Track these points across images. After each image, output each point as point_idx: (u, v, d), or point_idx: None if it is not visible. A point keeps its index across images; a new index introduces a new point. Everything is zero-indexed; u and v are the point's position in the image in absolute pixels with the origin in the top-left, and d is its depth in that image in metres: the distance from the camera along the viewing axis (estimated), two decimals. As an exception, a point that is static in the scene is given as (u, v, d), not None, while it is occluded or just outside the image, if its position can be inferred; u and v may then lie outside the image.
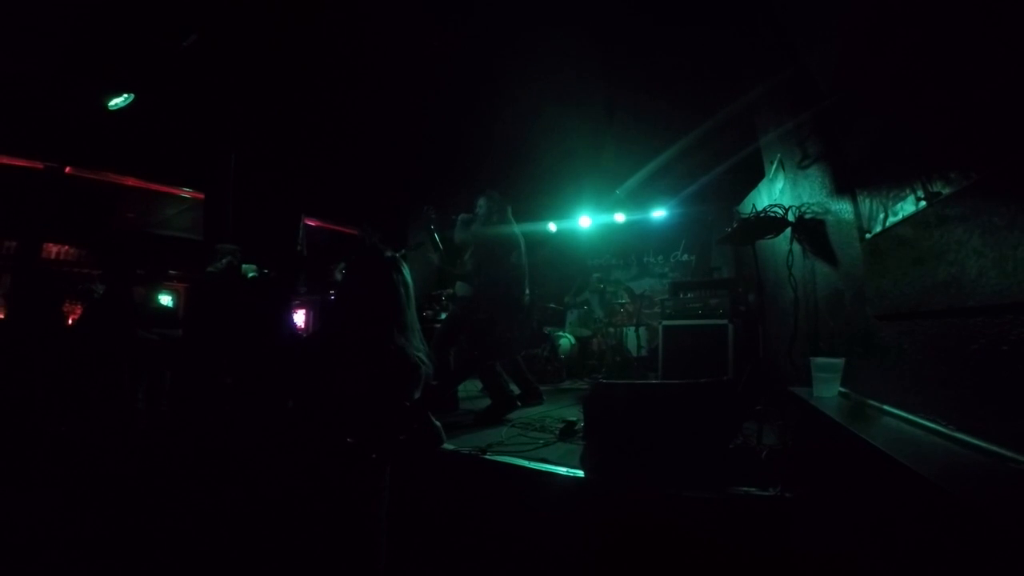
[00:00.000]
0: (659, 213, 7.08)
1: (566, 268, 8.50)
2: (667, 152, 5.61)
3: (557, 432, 3.22)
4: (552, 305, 7.09)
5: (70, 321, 5.37)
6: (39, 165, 5.52)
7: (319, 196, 7.31)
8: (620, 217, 7.37)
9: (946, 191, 1.53)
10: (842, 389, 2.32)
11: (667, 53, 4.56)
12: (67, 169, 5.74)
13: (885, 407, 1.94)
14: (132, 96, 4.95)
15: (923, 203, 1.67)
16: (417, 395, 1.54)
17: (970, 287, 1.42)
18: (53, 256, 6.87)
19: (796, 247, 3.08)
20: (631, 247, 8.12)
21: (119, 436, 4.57)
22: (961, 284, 1.46)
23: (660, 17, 4.22)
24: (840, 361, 2.29)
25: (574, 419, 3.30)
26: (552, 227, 7.79)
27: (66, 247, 7.08)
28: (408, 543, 1.82)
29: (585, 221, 7.35)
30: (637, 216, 7.31)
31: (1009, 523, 0.92)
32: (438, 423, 1.56)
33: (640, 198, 7.01)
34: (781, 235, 3.15)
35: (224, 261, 3.87)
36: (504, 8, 4.18)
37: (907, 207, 1.79)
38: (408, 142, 6.33)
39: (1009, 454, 1.22)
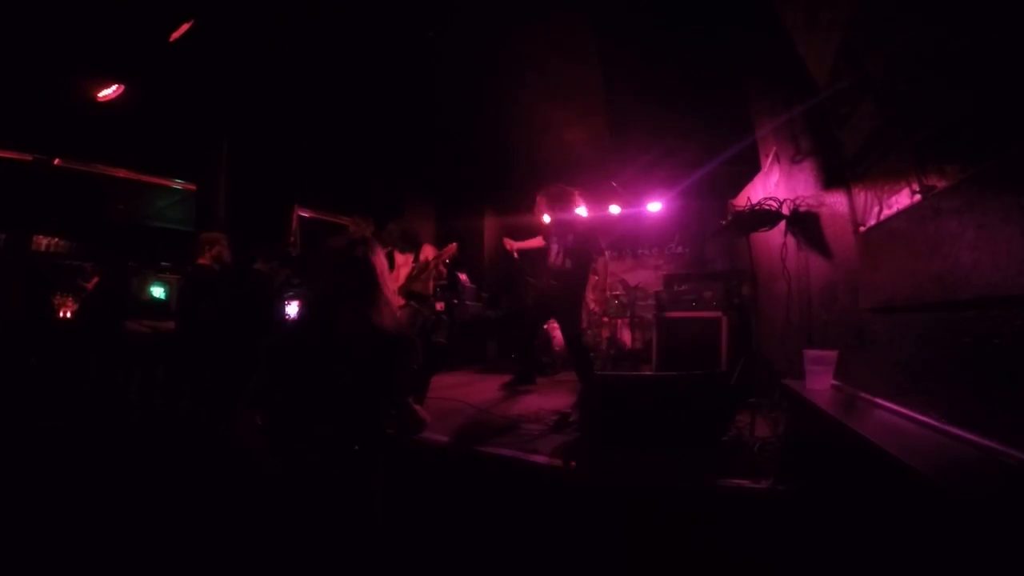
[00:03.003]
0: (654, 205, 7.06)
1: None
2: (663, 144, 5.60)
3: (551, 424, 3.22)
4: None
5: (61, 314, 5.33)
6: (27, 157, 5.45)
7: (314, 187, 7.26)
8: (615, 209, 7.35)
9: (941, 184, 1.53)
10: (835, 382, 2.33)
11: (663, 45, 4.53)
12: (56, 161, 5.67)
13: (877, 400, 1.95)
14: (122, 87, 4.88)
15: (918, 196, 1.67)
16: (413, 371, 1.54)
17: (963, 280, 1.42)
18: (43, 248, 6.80)
19: (790, 240, 3.08)
20: (625, 239, 8.10)
21: (112, 430, 4.55)
22: (955, 277, 1.47)
23: (657, 8, 4.20)
24: (833, 353, 2.29)
25: (568, 411, 3.31)
26: (547, 219, 7.76)
27: (56, 239, 7.00)
28: (399, 536, 1.82)
29: (580, 213, 7.32)
30: (632, 208, 7.29)
31: (1000, 517, 0.92)
32: (419, 411, 1.55)
33: (635, 190, 7.00)
34: (775, 228, 3.15)
35: (213, 251, 3.83)
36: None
37: (901, 200, 1.79)
38: (402, 134, 6.28)
39: (1001, 448, 1.22)
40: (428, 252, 4.50)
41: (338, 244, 1.60)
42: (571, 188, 4.52)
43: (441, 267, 4.33)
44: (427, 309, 4.65)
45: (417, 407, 1.56)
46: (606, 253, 4.58)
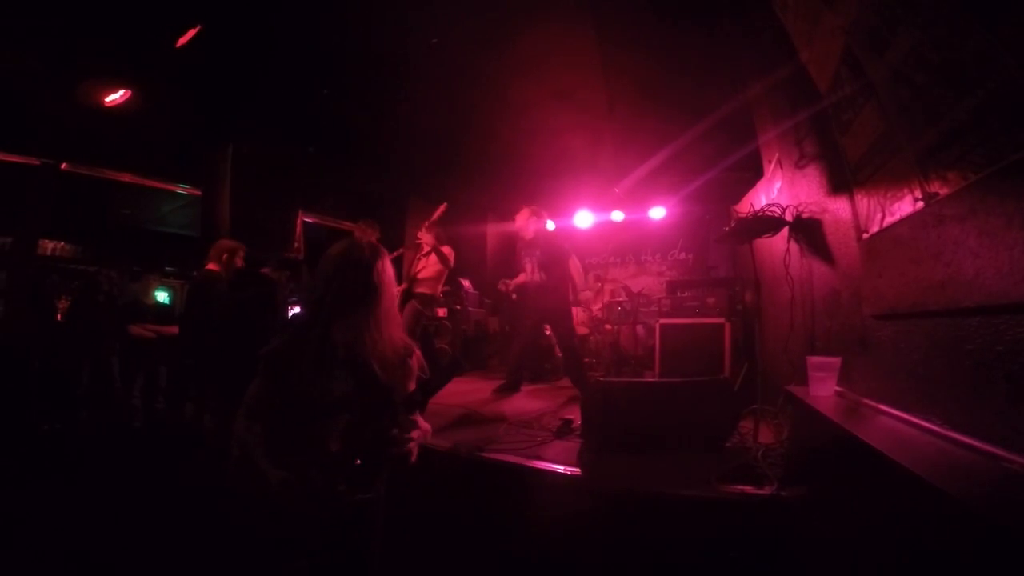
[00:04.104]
0: (657, 211, 7.07)
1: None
2: (666, 150, 5.62)
3: (554, 430, 3.22)
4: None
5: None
6: (35, 161, 5.48)
7: (318, 192, 7.30)
8: (618, 215, 7.37)
9: (944, 191, 1.53)
10: (838, 388, 2.32)
11: (666, 52, 4.56)
12: (63, 165, 5.70)
13: (881, 406, 1.95)
14: (129, 92, 4.92)
15: (920, 203, 1.68)
16: (411, 387, 1.50)
17: (966, 287, 1.43)
18: (49, 252, 6.85)
19: (793, 246, 3.08)
20: (628, 245, 8.12)
21: (114, 433, 4.57)
22: (957, 284, 1.47)
23: (660, 13, 4.22)
24: (836, 360, 2.29)
25: (571, 417, 3.31)
26: (551, 225, 7.78)
27: (62, 243, 7.05)
28: (403, 541, 1.82)
29: (583, 219, 7.34)
30: (635, 214, 7.31)
31: (1004, 523, 0.92)
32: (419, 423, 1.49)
33: (638, 196, 7.02)
34: (778, 234, 3.15)
35: (223, 257, 3.85)
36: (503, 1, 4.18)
37: (904, 207, 1.80)
38: (407, 139, 6.31)
39: (1004, 454, 1.22)
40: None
41: (343, 248, 1.53)
42: (530, 207, 4.87)
43: (434, 234, 4.53)
44: (430, 311, 4.71)
45: (418, 419, 1.50)
46: (574, 257, 4.83)
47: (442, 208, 4.59)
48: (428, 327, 4.98)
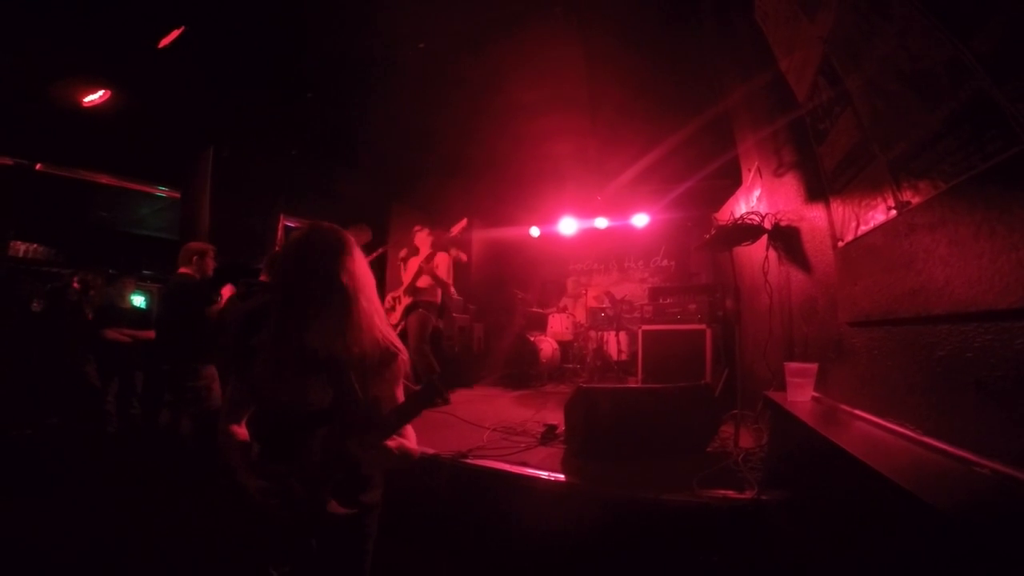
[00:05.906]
0: (640, 218, 7.13)
1: (547, 273, 8.57)
2: (648, 157, 5.67)
3: (538, 436, 3.22)
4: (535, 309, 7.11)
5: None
6: (8, 161, 5.36)
7: (300, 195, 7.22)
8: (602, 222, 7.42)
9: (915, 200, 1.57)
10: (815, 394, 2.36)
11: (650, 58, 4.61)
12: (38, 166, 5.58)
13: (856, 411, 1.98)
14: (108, 92, 4.84)
15: (893, 212, 1.71)
16: (398, 393, 1.46)
17: (937, 295, 1.46)
18: (21, 255, 6.68)
19: (772, 254, 3.13)
20: (612, 252, 8.18)
21: (88, 438, 4.46)
22: (929, 292, 1.50)
23: (645, 21, 4.28)
24: (813, 366, 2.33)
25: (555, 423, 3.31)
26: (535, 232, 7.82)
27: (35, 245, 6.89)
28: (388, 547, 1.80)
29: (566, 226, 7.38)
30: (618, 221, 7.36)
31: (973, 526, 0.94)
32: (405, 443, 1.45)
33: (621, 204, 7.07)
34: (758, 242, 3.20)
35: (194, 260, 3.79)
36: (485, 8, 4.20)
37: (878, 216, 1.83)
38: (391, 143, 6.28)
39: (974, 459, 1.25)
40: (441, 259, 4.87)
41: (302, 237, 1.37)
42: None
43: (449, 255, 4.82)
44: (435, 316, 4.80)
45: (405, 443, 1.42)
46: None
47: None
48: (435, 332, 5.04)
